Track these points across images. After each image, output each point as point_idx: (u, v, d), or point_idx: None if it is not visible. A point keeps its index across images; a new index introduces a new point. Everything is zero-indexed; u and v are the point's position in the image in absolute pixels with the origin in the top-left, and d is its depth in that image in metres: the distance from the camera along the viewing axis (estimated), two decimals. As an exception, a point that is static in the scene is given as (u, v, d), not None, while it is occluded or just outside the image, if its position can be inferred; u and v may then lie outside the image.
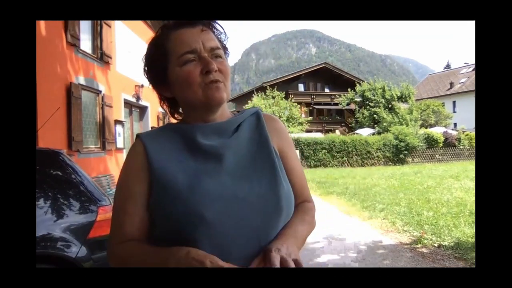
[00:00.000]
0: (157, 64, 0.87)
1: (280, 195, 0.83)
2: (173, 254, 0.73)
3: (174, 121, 0.97)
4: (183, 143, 0.86)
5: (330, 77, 33.02)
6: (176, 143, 0.87)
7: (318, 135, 21.22)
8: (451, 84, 37.62)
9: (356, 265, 3.97)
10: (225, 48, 0.91)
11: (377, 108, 25.21)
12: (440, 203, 6.94)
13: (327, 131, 27.09)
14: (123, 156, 8.55)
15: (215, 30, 0.90)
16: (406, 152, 19.19)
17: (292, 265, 0.71)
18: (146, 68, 0.91)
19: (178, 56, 0.84)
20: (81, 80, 6.74)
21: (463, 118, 31.48)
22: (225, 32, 0.91)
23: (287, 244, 0.77)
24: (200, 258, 0.70)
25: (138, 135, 0.89)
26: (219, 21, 0.92)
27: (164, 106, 0.95)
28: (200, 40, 0.84)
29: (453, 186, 9.34)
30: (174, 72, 0.85)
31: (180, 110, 0.94)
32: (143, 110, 10.77)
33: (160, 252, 0.77)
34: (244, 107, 27.01)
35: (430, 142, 20.24)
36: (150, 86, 0.93)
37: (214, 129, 0.87)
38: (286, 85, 30.35)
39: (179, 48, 0.84)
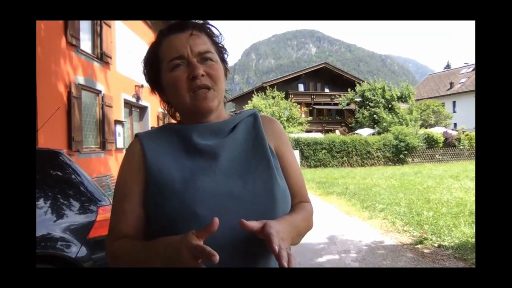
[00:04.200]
0: (151, 70, 0.91)
1: (275, 193, 0.83)
2: (164, 241, 0.72)
3: (174, 121, 0.98)
4: (180, 143, 0.88)
5: (330, 77, 33.02)
6: (173, 143, 0.88)
7: (318, 135, 21.20)
8: (451, 84, 37.63)
9: (356, 265, 3.97)
10: (220, 50, 0.91)
11: (377, 108, 25.22)
12: (440, 203, 6.94)
13: (327, 131, 27.07)
14: (123, 156, 8.56)
15: (209, 32, 0.90)
16: (406, 152, 19.19)
17: (284, 261, 0.67)
18: (144, 72, 0.94)
19: (167, 61, 0.86)
20: (81, 80, 6.74)
21: (463, 118, 31.50)
22: (220, 33, 0.92)
23: (283, 228, 0.75)
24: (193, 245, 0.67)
25: (136, 135, 0.91)
26: (217, 21, 0.92)
27: (165, 106, 0.96)
28: (188, 45, 0.85)
29: (453, 186, 9.35)
30: (164, 77, 0.87)
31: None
32: (143, 110, 10.78)
33: (150, 244, 0.76)
34: (244, 107, 27.03)
35: (430, 142, 20.23)
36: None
37: (211, 129, 0.88)
38: (286, 85, 30.34)
39: (168, 54, 0.86)
